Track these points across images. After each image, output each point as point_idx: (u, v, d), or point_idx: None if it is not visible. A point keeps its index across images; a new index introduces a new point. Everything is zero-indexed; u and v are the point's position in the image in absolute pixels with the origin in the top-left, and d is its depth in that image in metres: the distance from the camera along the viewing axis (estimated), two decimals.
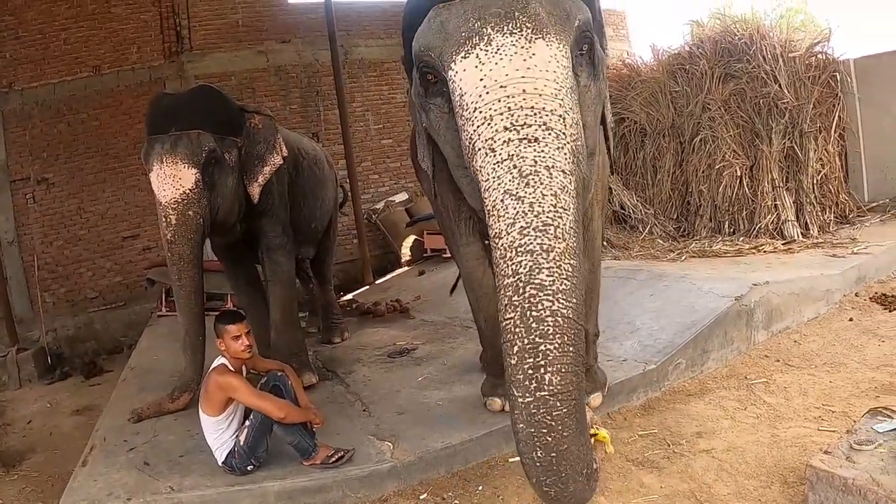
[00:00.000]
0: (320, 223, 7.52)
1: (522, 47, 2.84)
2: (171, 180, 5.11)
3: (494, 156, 2.74)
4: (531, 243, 2.57)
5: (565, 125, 2.79)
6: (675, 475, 3.79)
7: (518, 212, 2.61)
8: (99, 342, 11.46)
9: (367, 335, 7.80)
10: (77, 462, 4.73)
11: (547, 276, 2.55)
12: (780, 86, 8.27)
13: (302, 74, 13.10)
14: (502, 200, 2.66)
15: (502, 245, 2.64)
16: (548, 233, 2.59)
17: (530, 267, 2.55)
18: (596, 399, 4.48)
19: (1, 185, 11.53)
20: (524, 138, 2.71)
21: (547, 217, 2.60)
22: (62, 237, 11.74)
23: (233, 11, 12.64)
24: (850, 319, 5.80)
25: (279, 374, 4.44)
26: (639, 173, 9.89)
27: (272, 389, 4.31)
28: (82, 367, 10.19)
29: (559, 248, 2.59)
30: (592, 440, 3.27)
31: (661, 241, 8.86)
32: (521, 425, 2.58)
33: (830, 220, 8.28)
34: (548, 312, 2.52)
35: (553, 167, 2.68)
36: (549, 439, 2.54)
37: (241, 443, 4.08)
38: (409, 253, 12.14)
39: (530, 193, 2.62)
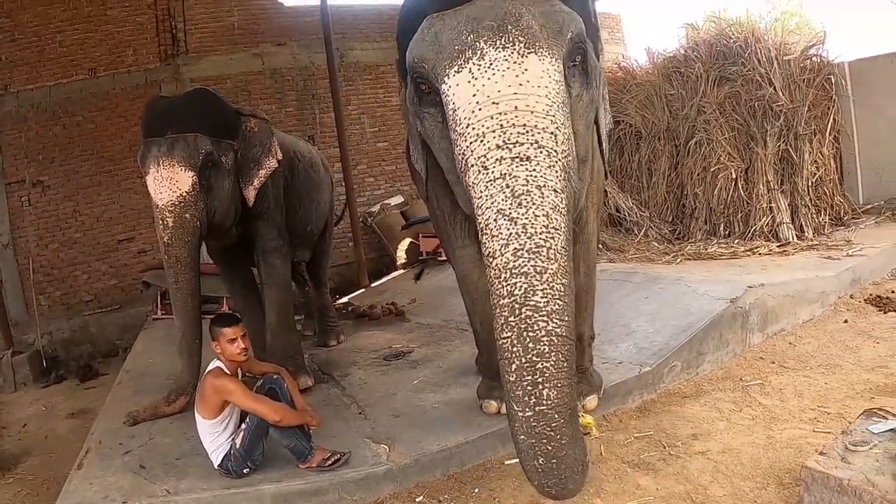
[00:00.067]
0: (316, 226, 7.52)
1: (515, 62, 2.86)
2: (168, 183, 5.10)
3: (487, 174, 2.78)
4: (525, 265, 2.64)
5: (557, 142, 2.83)
6: (670, 477, 3.80)
7: (512, 233, 2.68)
8: (94, 345, 11.44)
9: (363, 338, 7.79)
10: (72, 465, 4.73)
11: (541, 297, 2.63)
12: (774, 89, 8.30)
13: (297, 77, 13.09)
14: (496, 220, 2.72)
15: (497, 265, 2.70)
16: (541, 254, 2.66)
17: (525, 289, 2.63)
18: (592, 401, 4.50)
19: None
20: (516, 157, 2.76)
21: (540, 238, 2.67)
22: (57, 240, 11.70)
23: (228, 14, 12.63)
24: (845, 321, 5.82)
25: (275, 377, 4.43)
26: (634, 176, 9.90)
27: (268, 392, 4.31)
28: (77, 370, 10.17)
29: (552, 269, 2.66)
30: None
31: (656, 244, 8.88)
32: (523, 437, 2.67)
33: (825, 222, 8.31)
34: (543, 333, 2.61)
35: (545, 186, 2.73)
36: (550, 448, 2.65)
37: (238, 446, 4.08)
38: (405, 256, 12.14)
39: (523, 214, 2.69)
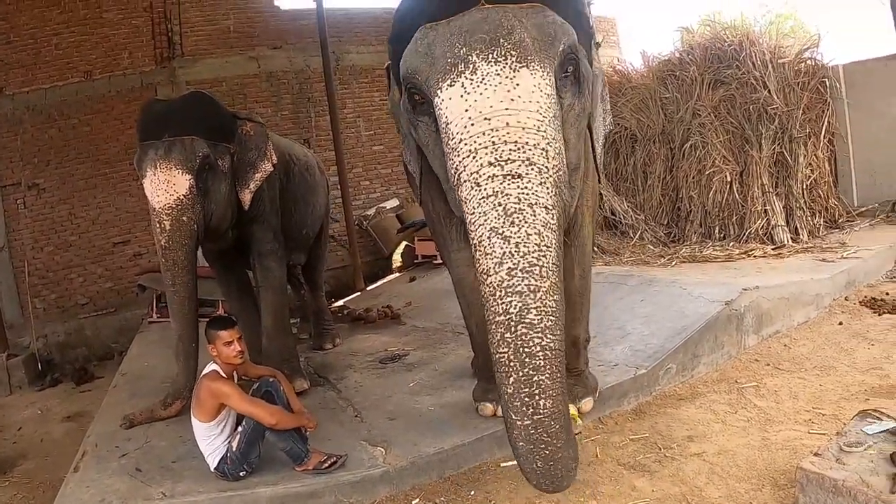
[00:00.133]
0: (311, 229, 7.52)
1: (507, 77, 2.90)
2: (166, 186, 5.11)
3: (480, 190, 2.83)
4: (519, 284, 2.72)
5: (547, 158, 2.88)
6: (666, 479, 3.81)
7: (505, 252, 2.74)
8: (89, 348, 11.40)
9: (359, 341, 7.79)
10: (68, 468, 4.73)
11: (535, 315, 2.71)
12: (769, 92, 8.34)
13: (293, 80, 13.08)
14: (489, 238, 2.78)
15: (491, 283, 2.77)
16: (534, 273, 2.73)
17: (520, 307, 2.71)
18: (587, 404, 4.51)
19: None
20: (508, 174, 2.81)
21: (532, 257, 2.74)
22: (53, 243, 11.67)
23: (224, 17, 12.62)
24: (840, 323, 5.84)
25: (271, 379, 4.44)
26: (629, 179, 9.94)
27: (264, 395, 4.31)
28: (73, 373, 10.16)
29: (544, 286, 2.74)
30: None
31: (651, 247, 8.90)
32: (521, 443, 2.78)
33: (820, 224, 8.33)
34: (538, 348, 2.70)
35: (536, 204, 2.80)
36: (547, 452, 2.76)
37: (234, 449, 4.08)
38: (401, 259, 12.15)
39: (515, 233, 2.75)
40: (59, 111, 11.65)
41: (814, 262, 7.00)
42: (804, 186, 8.37)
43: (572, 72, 3.22)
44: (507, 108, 2.87)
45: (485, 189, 2.83)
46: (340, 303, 10.69)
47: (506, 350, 2.74)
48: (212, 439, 4.15)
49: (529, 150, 2.84)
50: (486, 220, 2.80)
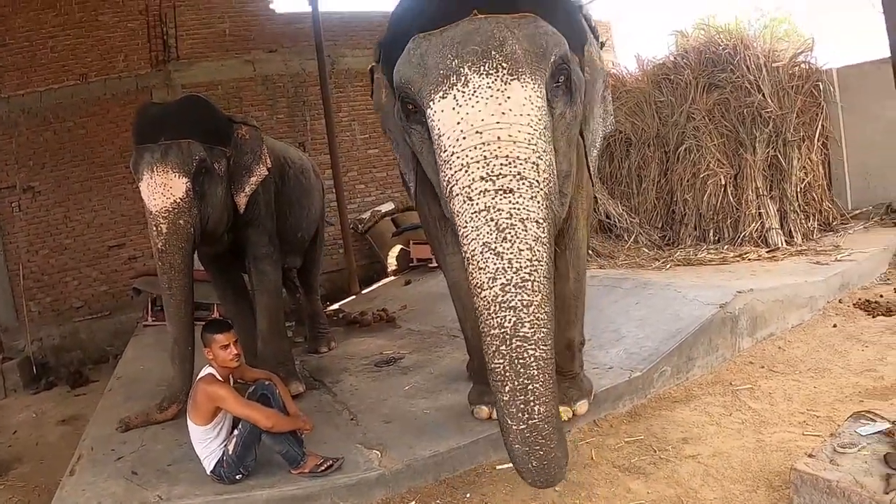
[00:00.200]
0: (307, 233, 7.53)
1: (498, 90, 2.93)
2: (162, 189, 5.11)
3: (472, 205, 2.89)
4: (513, 300, 2.79)
5: (538, 172, 2.93)
6: (661, 481, 3.82)
7: (498, 267, 2.81)
8: (84, 352, 11.38)
9: (354, 344, 7.79)
10: (64, 472, 4.72)
11: (529, 328, 2.79)
12: (763, 95, 8.37)
13: (289, 84, 13.10)
14: (482, 253, 2.84)
15: (485, 297, 2.83)
16: (527, 288, 2.81)
17: (514, 322, 2.79)
18: (582, 406, 4.51)
19: None
20: (500, 189, 2.86)
21: (525, 273, 2.81)
22: (48, 246, 11.67)
23: (220, 20, 12.64)
24: (834, 325, 5.87)
25: (267, 383, 4.43)
26: (624, 183, 9.96)
27: (260, 398, 4.30)
28: (68, 376, 10.14)
29: (537, 300, 2.82)
30: None
31: (646, 250, 8.92)
32: (517, 446, 2.87)
33: (814, 227, 8.36)
34: (532, 359, 2.79)
35: (527, 219, 2.85)
36: (542, 452, 2.86)
37: (230, 452, 4.08)
38: (396, 262, 12.15)
39: (508, 249, 2.81)
40: (55, 114, 11.66)
41: (808, 264, 7.03)
42: (798, 189, 8.40)
43: (563, 81, 3.25)
44: (498, 122, 2.91)
45: (477, 204, 2.88)
46: (336, 306, 10.69)
47: (501, 361, 2.81)
48: (208, 442, 4.15)
49: (520, 164, 2.89)
50: (478, 235, 2.85)
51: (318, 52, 11.77)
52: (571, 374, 4.57)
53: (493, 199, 2.86)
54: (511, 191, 2.86)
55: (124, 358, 8.39)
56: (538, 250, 2.85)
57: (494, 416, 3.85)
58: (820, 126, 8.62)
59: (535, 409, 2.80)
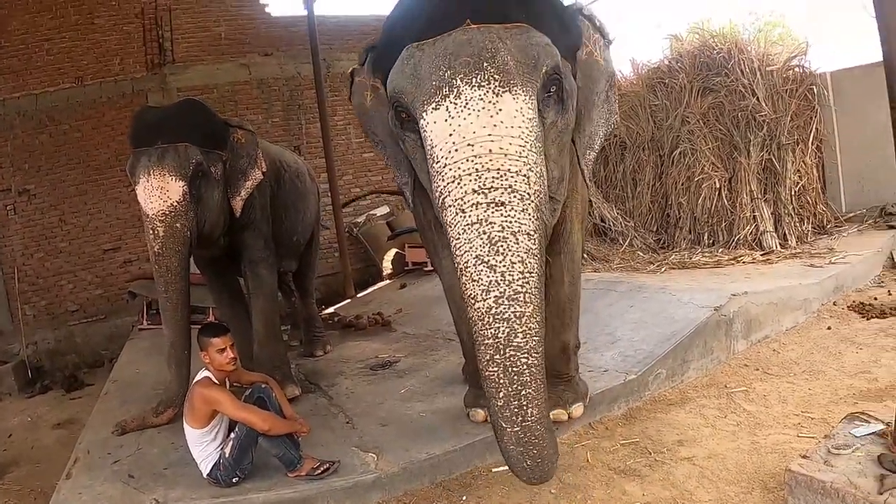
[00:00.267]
0: (302, 236, 7.53)
1: (490, 102, 2.96)
2: (159, 192, 5.10)
3: (464, 217, 2.93)
4: (506, 312, 2.87)
5: (529, 184, 2.97)
6: (656, 483, 3.83)
7: (491, 280, 2.87)
8: (79, 355, 11.36)
9: (350, 348, 7.79)
10: (60, 475, 4.71)
11: (521, 338, 2.87)
12: (758, 99, 8.40)
13: (284, 87, 13.11)
14: (475, 265, 2.90)
15: (479, 309, 2.90)
16: (519, 300, 2.88)
17: (508, 333, 2.87)
18: (577, 409, 4.52)
19: None
20: (491, 202, 2.91)
21: (517, 285, 2.88)
22: (43, 249, 11.65)
23: (216, 24, 12.64)
24: (829, 328, 5.89)
25: (263, 386, 4.44)
26: (619, 186, 9.99)
27: (256, 401, 4.31)
28: (63, 380, 10.13)
29: (528, 311, 2.89)
30: None
31: (641, 254, 8.94)
32: (512, 447, 2.95)
33: (808, 230, 8.39)
34: (525, 367, 2.88)
35: (519, 231, 2.91)
36: (535, 451, 2.95)
37: (227, 455, 4.08)
38: (391, 266, 12.15)
39: (501, 262, 2.87)
40: (50, 117, 11.65)
41: (802, 267, 7.05)
42: (792, 193, 8.43)
43: (555, 91, 3.28)
44: (489, 134, 2.95)
45: (469, 216, 2.92)
46: (331, 310, 10.67)
47: (495, 369, 2.89)
48: (204, 446, 4.15)
49: (512, 177, 2.93)
50: (471, 248, 2.91)
51: (314, 55, 11.75)
52: (567, 377, 4.58)
53: (484, 211, 2.91)
54: (503, 204, 2.91)
55: (120, 361, 8.38)
56: (529, 262, 2.91)
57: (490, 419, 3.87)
58: (814, 129, 8.65)
59: (529, 411, 2.89)
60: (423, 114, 3.09)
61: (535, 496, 3.89)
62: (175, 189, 5.13)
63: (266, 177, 5.94)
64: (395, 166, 4.06)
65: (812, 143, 8.64)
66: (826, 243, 7.95)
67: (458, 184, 2.95)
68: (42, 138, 11.61)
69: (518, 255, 2.88)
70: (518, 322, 2.85)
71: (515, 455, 2.97)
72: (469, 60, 3.00)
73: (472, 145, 2.95)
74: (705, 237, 8.72)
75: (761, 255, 7.86)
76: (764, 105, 8.36)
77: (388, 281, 11.99)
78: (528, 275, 2.89)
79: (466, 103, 2.97)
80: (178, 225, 5.17)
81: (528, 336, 2.88)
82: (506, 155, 2.94)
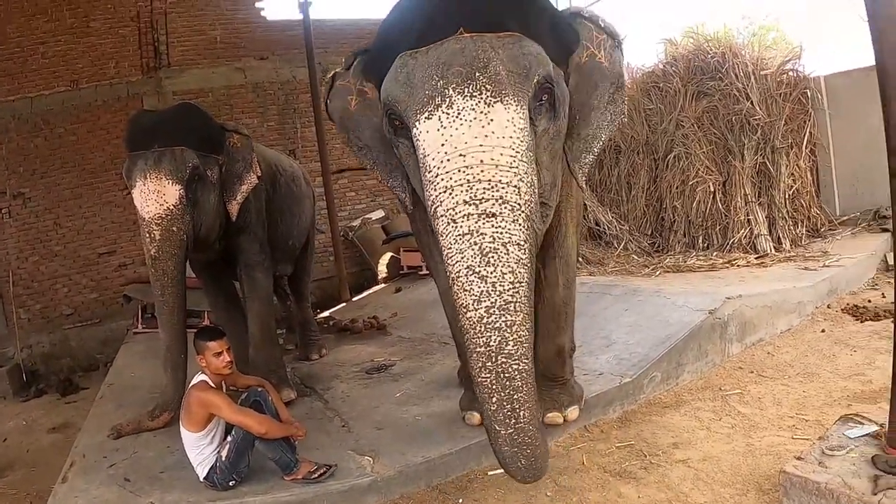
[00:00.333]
0: (297, 240, 7.54)
1: (481, 112, 2.99)
2: (156, 196, 5.10)
3: (456, 227, 2.97)
4: (498, 321, 2.90)
5: (520, 195, 3.00)
6: (652, 485, 3.85)
7: (483, 291, 2.91)
8: (74, 359, 11.33)
9: (345, 352, 7.80)
10: (55, 479, 4.72)
11: (513, 346, 2.92)
12: (752, 103, 8.42)
13: (279, 91, 13.10)
14: (466, 275, 2.93)
15: (471, 318, 2.94)
16: (510, 310, 2.92)
17: (499, 341, 2.91)
18: (573, 412, 4.54)
19: None
20: (483, 213, 2.94)
21: (508, 295, 2.92)
22: (38, 252, 11.61)
23: (211, 28, 12.63)
24: (823, 330, 5.91)
25: (259, 389, 4.45)
26: (613, 190, 9.99)
27: (252, 405, 4.32)
28: (58, 384, 10.11)
29: (518, 320, 2.94)
30: None
31: (635, 257, 8.95)
32: (506, 448, 3.00)
33: (802, 233, 8.42)
34: (516, 372, 2.93)
35: (510, 242, 2.95)
36: (528, 451, 3.00)
37: (223, 458, 4.09)
38: (386, 270, 12.15)
39: (492, 272, 2.91)
40: (45, 120, 11.61)
41: (796, 270, 7.07)
42: (786, 196, 8.46)
43: (547, 99, 3.31)
44: (481, 145, 2.98)
45: (461, 227, 2.95)
46: (326, 313, 10.68)
47: (488, 375, 2.93)
48: (201, 449, 4.16)
49: (503, 188, 2.96)
50: (462, 258, 2.94)
51: (309, 59, 11.77)
52: (562, 381, 4.60)
53: (476, 223, 2.94)
54: (494, 215, 2.94)
55: (115, 365, 8.36)
56: (520, 272, 2.94)
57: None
58: (808, 133, 8.68)
59: (521, 414, 2.94)
60: (416, 123, 3.11)
61: (532, 499, 3.90)
62: (171, 193, 5.13)
63: (262, 181, 5.95)
64: (385, 171, 4.08)
65: (806, 147, 8.67)
66: (820, 246, 7.98)
67: (450, 194, 2.98)
68: (37, 142, 11.58)
69: (509, 266, 2.92)
70: (509, 331, 2.90)
71: (509, 455, 3.01)
72: (461, 70, 3.03)
73: (464, 155, 2.97)
74: (700, 240, 8.73)
75: (755, 258, 7.88)
76: (758, 109, 8.39)
77: (383, 285, 11.98)
78: (518, 285, 2.93)
79: (458, 113, 3.00)
80: (174, 228, 5.17)
81: (519, 343, 2.92)
82: (497, 166, 2.97)
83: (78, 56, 11.81)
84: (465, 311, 2.94)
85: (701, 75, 8.95)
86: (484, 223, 2.93)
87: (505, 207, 2.95)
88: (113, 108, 11.84)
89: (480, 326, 2.90)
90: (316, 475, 4.13)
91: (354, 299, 11.73)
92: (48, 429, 8.00)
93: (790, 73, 8.83)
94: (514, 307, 2.91)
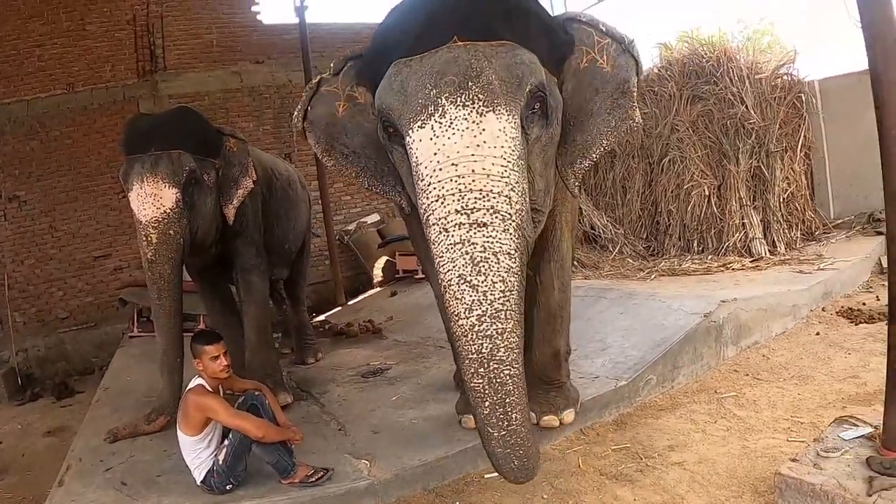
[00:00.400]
0: (293, 244, 7.54)
1: (473, 122, 3.01)
2: (153, 199, 5.11)
3: (448, 236, 2.99)
4: (489, 329, 2.93)
5: (511, 204, 3.03)
6: (648, 488, 3.86)
7: (474, 300, 2.94)
8: (69, 363, 11.29)
9: (341, 356, 7.80)
10: (51, 483, 4.72)
11: (504, 352, 2.94)
12: (746, 107, 8.46)
13: (275, 95, 13.10)
14: (458, 284, 2.96)
15: (462, 325, 2.96)
16: (500, 317, 2.94)
17: (491, 348, 2.94)
18: (569, 415, 4.55)
19: None
20: (474, 223, 2.97)
21: (498, 303, 2.94)
22: (33, 256, 11.59)
23: (207, 31, 12.63)
24: (817, 333, 5.93)
25: (256, 393, 4.44)
26: (608, 194, 10.00)
27: (249, 409, 4.32)
28: (53, 388, 10.07)
29: (509, 327, 2.96)
30: None
31: (631, 261, 8.95)
32: (499, 450, 3.03)
33: (797, 237, 8.44)
34: (507, 377, 2.96)
35: (500, 252, 2.97)
36: (521, 452, 3.03)
37: (220, 462, 4.09)
38: (381, 274, 12.14)
39: (483, 281, 2.94)
40: (41, 123, 11.59)
41: (791, 273, 7.10)
42: (781, 199, 8.49)
43: (539, 107, 3.32)
44: (473, 154, 3.00)
45: (452, 236, 2.97)
46: (322, 317, 10.68)
47: (480, 381, 2.96)
48: (198, 453, 4.16)
49: (494, 198, 2.98)
50: (454, 266, 2.96)
51: (305, 63, 11.77)
52: (558, 384, 4.61)
53: (467, 232, 2.96)
54: (485, 224, 2.96)
55: (111, 369, 8.33)
56: (510, 280, 2.97)
57: None
58: (802, 137, 8.72)
59: (513, 416, 2.97)
60: (409, 131, 3.13)
61: (528, 502, 3.92)
62: (168, 196, 5.14)
63: (258, 185, 5.95)
64: (375, 177, 4.08)
65: (800, 151, 8.70)
66: (815, 249, 8.00)
67: (442, 203, 3.00)
68: (33, 144, 11.55)
69: (499, 275, 2.94)
70: (500, 338, 2.93)
71: (502, 457, 3.04)
72: (454, 80, 3.05)
73: (456, 165, 2.99)
74: (695, 244, 8.75)
75: (750, 261, 7.90)
76: (752, 113, 8.42)
77: (378, 288, 11.99)
78: (508, 293, 2.96)
79: (451, 123, 3.02)
80: (171, 232, 5.18)
81: (510, 349, 2.95)
82: (488, 176, 2.99)
83: (74, 59, 11.79)
84: (457, 318, 2.97)
85: (696, 79, 8.99)
86: (475, 233, 2.95)
87: (496, 217, 2.98)
88: (109, 112, 11.82)
89: (472, 334, 2.93)
90: (313, 479, 4.13)
91: (350, 303, 11.73)
92: (43, 432, 7.97)
93: (785, 77, 8.87)
94: (505, 315, 2.94)
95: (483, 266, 2.93)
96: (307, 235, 8.21)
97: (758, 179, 8.55)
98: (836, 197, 8.93)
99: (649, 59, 10.01)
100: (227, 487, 4.13)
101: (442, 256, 3.00)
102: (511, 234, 3.01)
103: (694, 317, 5.65)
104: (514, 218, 3.02)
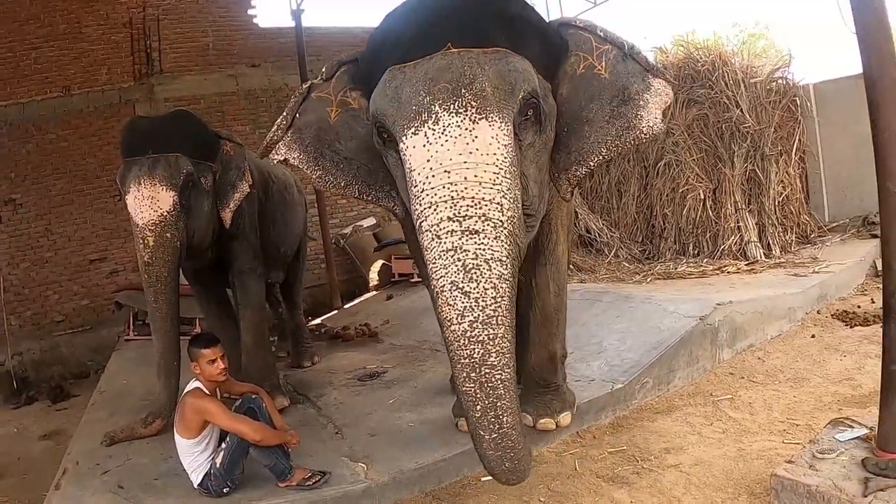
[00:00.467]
0: (290, 248, 7.54)
1: (466, 129, 3.02)
2: (150, 202, 5.10)
3: (440, 243, 3.00)
4: (480, 334, 2.95)
5: (503, 212, 3.03)
6: (644, 490, 3.87)
7: (466, 306, 2.95)
8: (65, 366, 11.29)
9: (337, 359, 7.80)
10: (47, 487, 4.72)
11: (495, 357, 2.96)
12: (741, 111, 8.48)
13: (271, 99, 13.11)
14: (450, 290, 2.97)
15: (454, 331, 2.98)
16: (492, 323, 2.96)
17: (482, 353, 2.95)
18: (565, 418, 4.54)
19: None
20: (466, 230, 2.98)
21: (490, 310, 2.95)
22: (29, 259, 11.60)
23: (203, 35, 12.65)
24: (813, 336, 5.95)
25: (253, 396, 4.44)
26: (604, 197, 10.02)
27: (247, 412, 4.31)
28: (49, 391, 10.07)
29: (500, 332, 2.98)
30: None
31: (626, 264, 8.97)
32: (491, 452, 3.07)
33: (792, 240, 8.47)
34: (499, 382, 2.98)
35: (492, 259, 2.98)
36: (513, 454, 3.07)
37: (218, 465, 4.09)
38: (378, 277, 12.15)
39: (474, 288, 2.95)
40: (37, 126, 11.60)
41: (786, 276, 7.12)
42: (776, 203, 8.51)
43: (532, 114, 3.32)
44: (465, 161, 3.01)
45: (444, 243, 2.98)
46: (318, 321, 10.68)
47: (472, 385, 2.98)
48: (195, 456, 4.16)
49: (486, 205, 2.99)
50: (446, 273, 2.97)
51: (301, 66, 11.79)
52: (554, 387, 4.61)
53: (459, 239, 2.97)
54: (477, 232, 2.97)
55: (107, 372, 8.33)
56: (501, 287, 2.98)
57: None
58: (797, 140, 8.75)
59: (504, 419, 3.00)
60: (403, 138, 3.14)
61: None
62: (165, 199, 5.14)
63: (254, 188, 5.94)
64: (368, 184, 4.03)
65: (795, 154, 8.74)
66: (810, 253, 8.03)
67: (434, 210, 3.01)
68: (28, 147, 11.56)
69: (491, 282, 2.95)
70: (491, 343, 2.94)
71: (494, 459, 3.07)
72: (448, 87, 3.06)
73: (449, 172, 3.00)
74: (690, 248, 8.77)
75: (746, 264, 7.92)
76: (748, 116, 8.44)
77: (374, 292, 12.00)
78: (500, 299, 2.97)
79: (444, 130, 3.03)
80: (168, 235, 5.17)
81: (501, 354, 2.97)
82: (480, 183, 3.00)
83: (70, 62, 11.81)
84: (449, 324, 2.99)
85: (691, 83, 9.01)
86: (467, 240, 2.96)
87: (487, 225, 2.98)
88: (105, 115, 11.85)
89: (464, 339, 2.95)
90: (310, 482, 4.13)
91: (346, 307, 11.75)
92: (39, 436, 7.98)
93: (780, 81, 8.91)
94: (496, 321, 2.96)
95: (475, 273, 2.94)
96: (303, 239, 8.21)
97: (753, 183, 8.57)
98: (831, 200, 8.97)
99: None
100: (225, 490, 4.13)
101: (434, 263, 3.02)
102: (503, 241, 3.02)
103: (689, 320, 5.66)
104: (505, 225, 3.03)
